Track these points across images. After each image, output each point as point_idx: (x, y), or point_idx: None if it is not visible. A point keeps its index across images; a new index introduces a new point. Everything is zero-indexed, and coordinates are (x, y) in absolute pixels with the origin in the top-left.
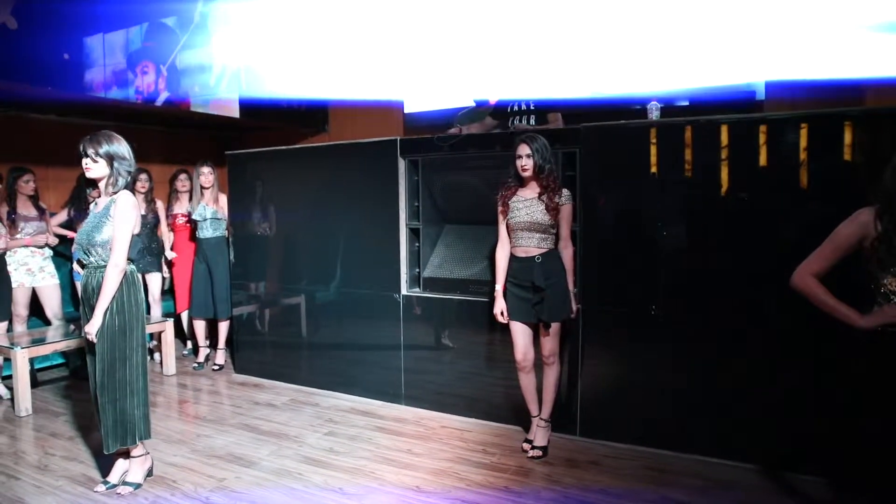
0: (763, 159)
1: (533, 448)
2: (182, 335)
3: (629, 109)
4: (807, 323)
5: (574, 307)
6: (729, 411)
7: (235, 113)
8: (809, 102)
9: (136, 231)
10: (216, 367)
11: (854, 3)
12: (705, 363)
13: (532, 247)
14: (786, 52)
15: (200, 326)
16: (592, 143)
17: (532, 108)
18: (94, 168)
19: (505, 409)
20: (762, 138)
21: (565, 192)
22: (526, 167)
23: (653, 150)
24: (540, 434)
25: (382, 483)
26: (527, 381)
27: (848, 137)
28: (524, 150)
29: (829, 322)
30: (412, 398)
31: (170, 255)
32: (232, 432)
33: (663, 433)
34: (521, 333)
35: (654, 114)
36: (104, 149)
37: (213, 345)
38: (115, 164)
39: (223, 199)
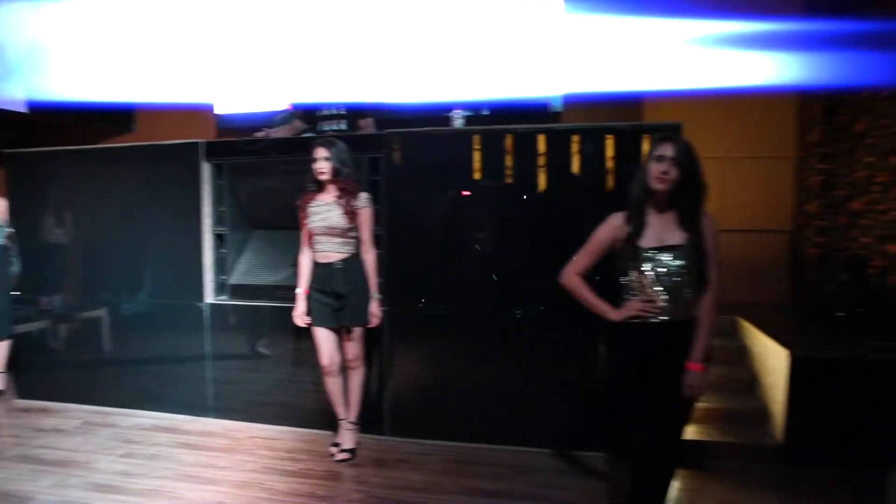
0: (554, 166)
1: (341, 451)
2: None
3: (438, 116)
4: (588, 318)
5: (377, 313)
6: (526, 401)
7: (21, 108)
8: (601, 113)
9: None
10: None
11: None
12: (505, 358)
13: (332, 252)
14: (580, 67)
15: None
16: (395, 148)
17: (343, 112)
18: None
19: (317, 415)
20: (547, 147)
21: (363, 195)
22: (322, 170)
23: (455, 155)
24: (348, 436)
25: (180, 502)
26: (333, 386)
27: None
28: (321, 153)
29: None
30: (221, 410)
31: None
32: (7, 467)
33: (469, 427)
34: (325, 339)
35: (457, 121)
36: None
37: None
38: None
39: (1, 203)
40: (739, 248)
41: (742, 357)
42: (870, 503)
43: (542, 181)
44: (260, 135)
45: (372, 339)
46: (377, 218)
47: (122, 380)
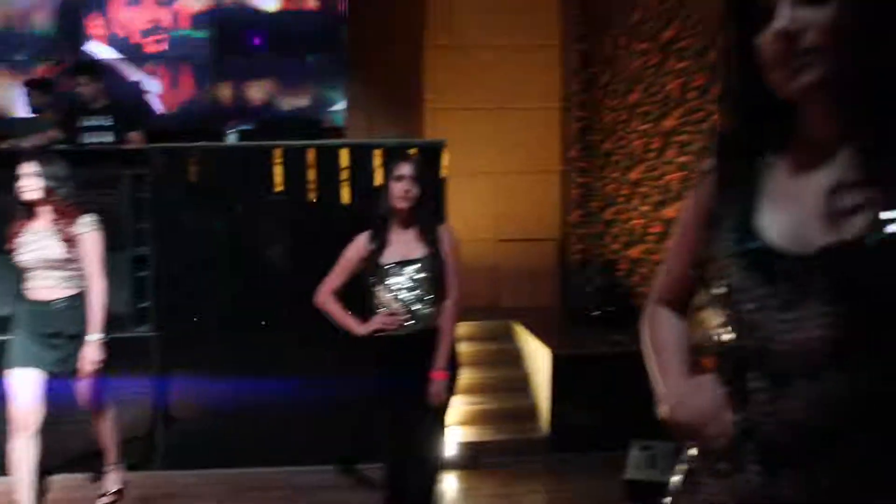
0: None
1: (101, 495)
2: None
3: (213, 130)
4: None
5: (92, 358)
6: (304, 420)
7: None
8: (383, 126)
9: None
10: None
11: None
12: (282, 377)
13: (53, 288)
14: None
15: None
16: (163, 165)
17: (110, 123)
18: None
19: (87, 457)
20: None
21: (87, 218)
22: (28, 188)
23: (227, 171)
24: (110, 478)
25: None
26: (25, 453)
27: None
28: (28, 168)
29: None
30: None
31: None
32: None
33: (248, 451)
34: (29, 385)
35: (231, 136)
36: None
37: None
38: None
39: None
40: (514, 256)
41: (517, 359)
42: (616, 475)
43: (316, 195)
44: (5, 145)
45: (141, 365)
46: (141, 237)
47: None
